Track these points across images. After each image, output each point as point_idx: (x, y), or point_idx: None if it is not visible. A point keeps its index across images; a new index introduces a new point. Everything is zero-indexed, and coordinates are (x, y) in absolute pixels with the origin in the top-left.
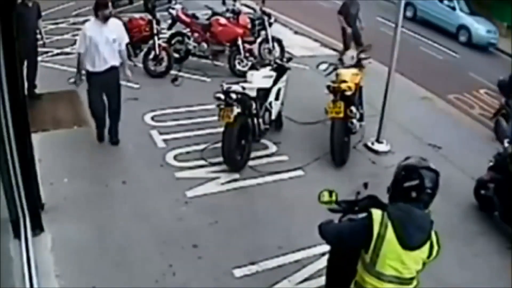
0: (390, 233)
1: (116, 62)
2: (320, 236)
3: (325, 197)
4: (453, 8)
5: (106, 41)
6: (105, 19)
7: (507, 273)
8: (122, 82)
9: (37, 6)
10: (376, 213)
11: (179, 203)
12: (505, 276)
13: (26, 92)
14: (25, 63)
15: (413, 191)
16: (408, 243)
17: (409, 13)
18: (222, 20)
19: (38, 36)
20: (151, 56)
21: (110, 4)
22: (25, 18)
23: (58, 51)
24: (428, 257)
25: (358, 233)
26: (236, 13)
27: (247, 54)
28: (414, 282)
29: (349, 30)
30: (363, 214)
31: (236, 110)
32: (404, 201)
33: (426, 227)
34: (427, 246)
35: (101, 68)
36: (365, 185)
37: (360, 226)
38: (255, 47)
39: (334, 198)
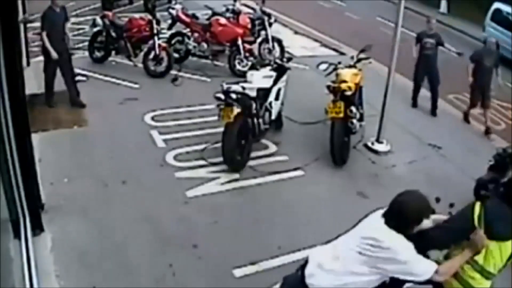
0: None
1: None
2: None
3: None
4: None
5: None
6: None
7: (507, 273)
8: (122, 82)
9: (64, 10)
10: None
11: (179, 203)
12: (505, 276)
13: (69, 101)
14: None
15: None
16: None
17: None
18: (222, 20)
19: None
20: (151, 56)
21: None
22: (54, 24)
23: None
24: None
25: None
26: (236, 13)
27: (247, 54)
28: None
29: (470, 79)
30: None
31: (236, 110)
32: None
33: None
34: None
35: None
36: (437, 200)
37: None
38: (255, 47)
39: None
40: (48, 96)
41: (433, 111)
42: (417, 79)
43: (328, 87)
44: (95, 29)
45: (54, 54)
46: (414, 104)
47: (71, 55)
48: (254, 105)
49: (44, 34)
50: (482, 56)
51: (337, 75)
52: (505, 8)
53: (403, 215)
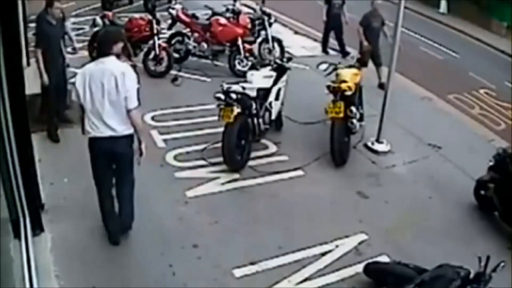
0: None
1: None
2: None
3: None
4: None
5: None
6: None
7: (507, 273)
8: None
9: (63, 21)
10: None
11: (179, 203)
12: (505, 276)
13: (56, 115)
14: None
15: None
16: None
17: None
18: (222, 20)
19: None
20: (151, 56)
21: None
22: (51, 40)
23: None
24: None
25: None
26: (236, 13)
27: (247, 54)
28: None
29: (365, 44)
30: None
31: (236, 110)
32: None
33: None
34: None
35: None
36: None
37: None
38: (255, 47)
39: None
40: (51, 129)
41: (343, 52)
42: (327, 33)
43: (328, 87)
44: (95, 29)
45: (45, 79)
46: (324, 50)
47: (66, 74)
48: (254, 105)
49: (39, 52)
50: (370, 20)
51: (337, 75)
52: None
53: (105, 39)
